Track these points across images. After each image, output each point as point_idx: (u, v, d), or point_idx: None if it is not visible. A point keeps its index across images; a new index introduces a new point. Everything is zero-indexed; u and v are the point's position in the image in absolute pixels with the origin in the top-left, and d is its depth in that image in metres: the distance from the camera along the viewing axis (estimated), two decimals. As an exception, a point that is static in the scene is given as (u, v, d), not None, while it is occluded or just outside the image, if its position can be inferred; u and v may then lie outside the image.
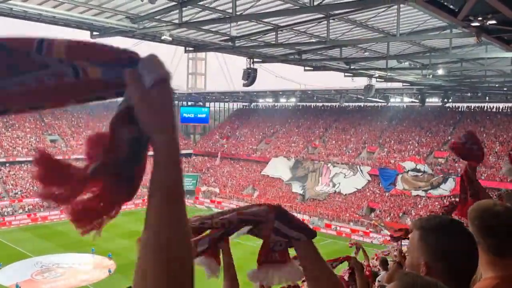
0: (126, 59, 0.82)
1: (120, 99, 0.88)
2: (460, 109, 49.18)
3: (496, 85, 33.96)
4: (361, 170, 45.51)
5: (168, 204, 0.79)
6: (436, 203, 37.81)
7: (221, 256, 2.07)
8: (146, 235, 0.78)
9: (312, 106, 60.84)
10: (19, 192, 43.22)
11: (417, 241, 1.53)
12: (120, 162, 0.84)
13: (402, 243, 4.78)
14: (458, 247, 1.46)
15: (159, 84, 0.82)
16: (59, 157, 0.87)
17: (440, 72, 24.63)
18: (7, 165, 45.85)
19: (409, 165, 43.16)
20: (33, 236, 35.75)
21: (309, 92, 55.51)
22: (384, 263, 7.09)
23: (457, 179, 34.21)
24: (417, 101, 48.15)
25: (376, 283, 5.20)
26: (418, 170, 42.22)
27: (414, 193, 40.70)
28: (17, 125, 50.38)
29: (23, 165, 46.81)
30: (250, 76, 20.03)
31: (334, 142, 52.43)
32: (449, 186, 38.86)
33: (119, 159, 0.84)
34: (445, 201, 34.09)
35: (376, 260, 11.90)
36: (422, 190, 40.65)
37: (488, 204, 1.81)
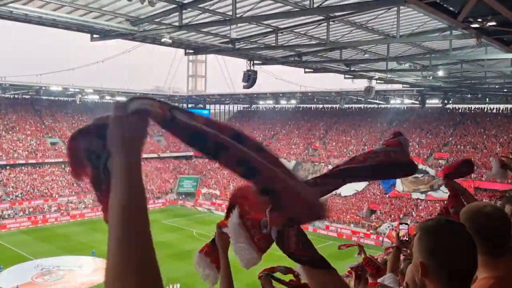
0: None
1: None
2: (460, 111, 49.18)
3: (496, 87, 33.97)
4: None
5: (120, 223, 0.86)
6: (437, 204, 37.78)
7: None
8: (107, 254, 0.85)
9: (313, 108, 60.86)
10: (19, 195, 43.21)
11: (416, 241, 1.55)
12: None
13: (400, 228, 4.79)
14: (453, 247, 1.47)
15: (139, 112, 0.93)
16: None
17: (440, 73, 24.64)
18: (7, 167, 45.86)
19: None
20: (34, 239, 35.74)
21: (309, 94, 55.50)
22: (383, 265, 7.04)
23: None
24: (417, 102, 48.15)
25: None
26: (419, 172, 42.14)
27: (414, 195, 40.62)
28: (17, 128, 50.40)
29: (23, 167, 46.82)
30: (250, 78, 20.04)
31: (334, 143, 52.43)
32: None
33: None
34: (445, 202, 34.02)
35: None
36: (422, 192, 40.58)
37: (479, 206, 1.82)
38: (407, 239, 4.36)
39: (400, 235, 4.43)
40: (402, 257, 4.61)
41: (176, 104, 1.06)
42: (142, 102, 0.95)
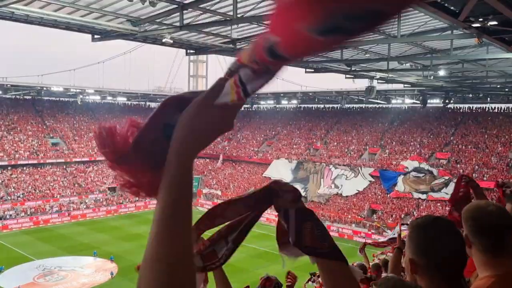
0: None
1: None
2: (461, 110, 49.10)
3: (498, 86, 33.95)
4: (362, 172, 45.44)
5: (163, 220, 0.82)
6: (439, 204, 37.75)
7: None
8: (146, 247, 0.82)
9: (314, 108, 60.84)
10: (21, 195, 43.27)
11: (406, 238, 1.58)
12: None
13: (402, 229, 4.78)
14: (441, 244, 1.48)
15: (227, 108, 0.85)
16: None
17: (441, 73, 24.63)
18: (9, 168, 45.91)
19: (411, 164, 42.99)
20: (35, 239, 35.76)
21: (310, 94, 55.49)
22: (377, 267, 6.78)
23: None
24: (419, 102, 48.16)
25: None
26: (421, 170, 42.03)
27: (415, 195, 40.54)
28: (18, 128, 50.45)
29: (25, 168, 46.87)
30: (251, 78, 20.02)
31: (335, 143, 52.39)
32: (450, 190, 38.66)
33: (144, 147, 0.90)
34: (446, 202, 33.96)
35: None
36: (422, 193, 40.49)
37: (481, 204, 1.82)
38: None
39: (402, 235, 4.41)
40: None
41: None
42: (224, 91, 0.85)
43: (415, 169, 42.42)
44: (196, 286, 0.81)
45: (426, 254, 1.49)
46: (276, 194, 1.32)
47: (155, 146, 0.88)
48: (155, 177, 0.87)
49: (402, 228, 4.99)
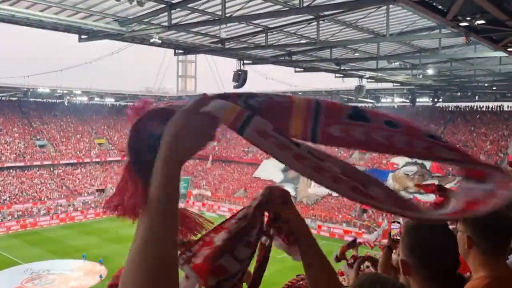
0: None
1: None
2: (450, 109, 49.59)
3: (486, 85, 34.31)
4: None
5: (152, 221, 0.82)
6: (428, 204, 38.00)
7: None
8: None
9: (303, 108, 61.02)
10: (7, 198, 42.68)
11: (400, 239, 1.59)
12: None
13: (392, 227, 4.74)
14: (433, 245, 1.47)
15: (210, 115, 0.87)
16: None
17: (430, 72, 24.79)
18: (-5, 171, 45.30)
19: (403, 159, 43.23)
20: (23, 243, 35.30)
21: (299, 93, 55.56)
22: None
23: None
24: (408, 101, 48.46)
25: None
26: (415, 163, 42.21)
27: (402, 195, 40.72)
28: (4, 131, 49.74)
29: (11, 170, 46.25)
30: (240, 78, 19.97)
31: (325, 143, 52.59)
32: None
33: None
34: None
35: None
36: (410, 193, 40.70)
37: None
38: (399, 238, 4.26)
39: (392, 234, 4.34)
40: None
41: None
42: (217, 106, 0.89)
43: (407, 164, 42.56)
44: None
45: (418, 255, 1.48)
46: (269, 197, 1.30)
47: (141, 157, 0.88)
48: (141, 191, 0.86)
49: (392, 226, 4.94)
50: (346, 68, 24.84)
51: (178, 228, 0.87)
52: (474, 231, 1.69)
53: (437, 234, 1.49)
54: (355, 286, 1.48)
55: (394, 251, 3.98)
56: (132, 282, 0.78)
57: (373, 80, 31.09)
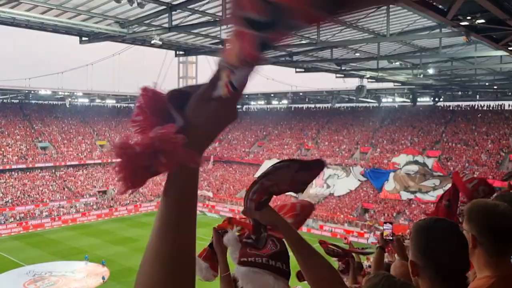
0: None
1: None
2: (451, 108, 49.49)
3: (486, 84, 34.26)
4: (353, 171, 45.57)
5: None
6: (430, 203, 37.96)
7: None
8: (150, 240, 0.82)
9: (304, 108, 60.92)
10: (9, 200, 42.71)
11: (410, 240, 1.58)
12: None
13: (384, 227, 4.74)
14: (442, 246, 1.46)
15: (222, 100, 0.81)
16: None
17: (431, 71, 24.78)
18: (-3, 173, 45.32)
19: (404, 158, 43.19)
20: (25, 245, 35.31)
21: (300, 93, 55.55)
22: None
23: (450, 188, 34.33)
24: (409, 100, 48.45)
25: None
26: (416, 162, 42.16)
27: (403, 195, 40.67)
28: (6, 133, 49.80)
29: (13, 173, 46.29)
30: (241, 79, 19.97)
31: (327, 143, 52.51)
32: (437, 193, 38.82)
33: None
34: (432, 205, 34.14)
35: (367, 261, 11.85)
36: (411, 192, 40.65)
37: (490, 204, 1.76)
38: (391, 238, 4.26)
39: (384, 234, 4.34)
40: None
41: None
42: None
43: (408, 163, 42.51)
44: (194, 286, 0.81)
45: (426, 255, 1.47)
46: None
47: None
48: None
49: (384, 226, 4.94)
50: (347, 68, 24.85)
51: (195, 222, 0.85)
52: (479, 230, 1.67)
53: (447, 235, 1.48)
54: (369, 286, 1.50)
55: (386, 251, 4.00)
56: (149, 271, 0.78)
57: (374, 80, 31.07)
